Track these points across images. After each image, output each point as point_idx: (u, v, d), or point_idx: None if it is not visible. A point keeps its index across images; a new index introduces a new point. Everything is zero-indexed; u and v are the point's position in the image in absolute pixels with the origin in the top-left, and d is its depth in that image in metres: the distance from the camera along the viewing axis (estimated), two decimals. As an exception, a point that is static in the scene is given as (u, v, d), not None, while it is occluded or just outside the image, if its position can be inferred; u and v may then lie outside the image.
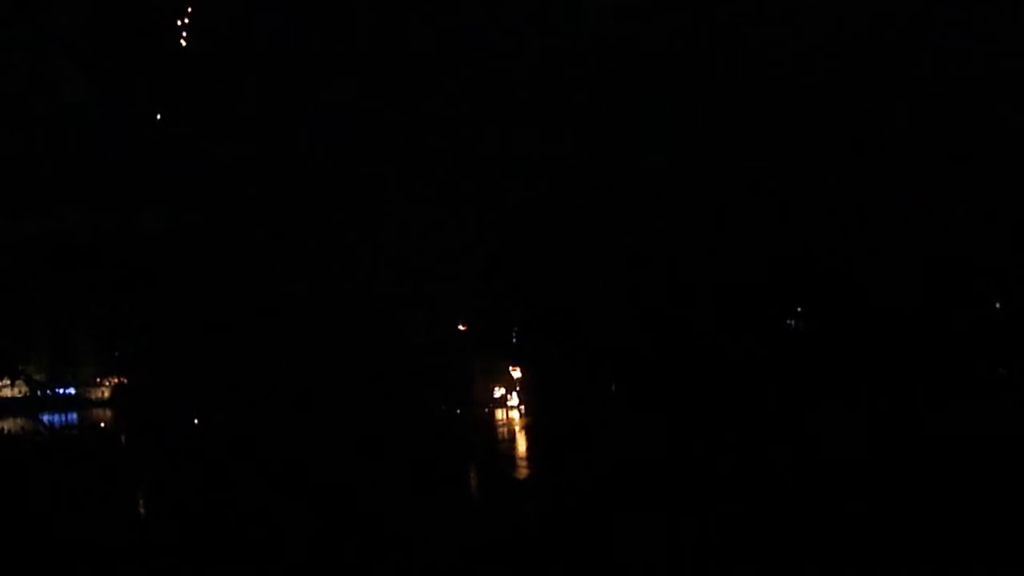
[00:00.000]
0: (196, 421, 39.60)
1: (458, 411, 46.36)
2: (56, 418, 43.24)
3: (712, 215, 46.19)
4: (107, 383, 51.50)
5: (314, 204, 48.01)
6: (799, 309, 48.70)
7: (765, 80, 46.41)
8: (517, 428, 43.60)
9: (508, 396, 50.54)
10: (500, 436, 40.40)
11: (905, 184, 44.05)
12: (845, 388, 39.84)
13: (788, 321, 49.16)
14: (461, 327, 51.05)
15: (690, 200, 46.56)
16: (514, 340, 51.83)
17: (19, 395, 46.63)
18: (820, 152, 45.29)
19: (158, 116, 43.50)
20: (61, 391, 48.67)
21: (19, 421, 38.45)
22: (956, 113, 43.92)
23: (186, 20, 43.23)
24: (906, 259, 43.92)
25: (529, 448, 35.66)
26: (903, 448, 28.33)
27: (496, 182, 47.45)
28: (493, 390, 50.54)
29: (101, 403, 50.41)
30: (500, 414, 49.03)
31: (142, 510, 20.67)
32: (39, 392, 46.57)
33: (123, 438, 39.84)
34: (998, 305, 45.71)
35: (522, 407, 49.60)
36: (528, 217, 47.95)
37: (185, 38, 43.53)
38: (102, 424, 41.96)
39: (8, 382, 46.38)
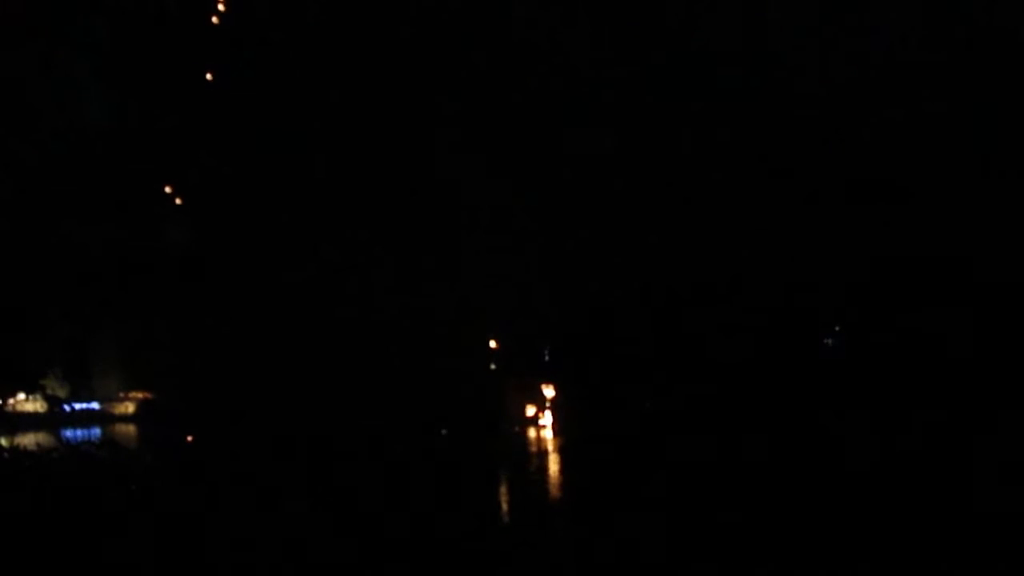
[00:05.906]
0: (190, 439, 38.67)
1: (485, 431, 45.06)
2: (78, 433, 42.51)
3: (752, 238, 45.50)
4: (132, 398, 50.84)
5: (346, 221, 47.42)
6: (836, 328, 47.75)
7: (804, 95, 45.71)
8: (550, 448, 42.22)
9: (540, 415, 49.41)
10: (531, 457, 39.03)
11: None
12: (889, 407, 38.45)
13: (825, 340, 48.17)
14: (493, 344, 50.19)
15: (729, 223, 45.87)
16: (547, 358, 50.84)
17: (42, 410, 46.07)
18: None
19: (208, 76, 42.81)
20: (83, 406, 48.05)
21: (38, 436, 37.71)
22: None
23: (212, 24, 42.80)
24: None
25: (562, 473, 34.30)
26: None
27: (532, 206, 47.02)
28: (525, 409, 49.41)
29: (125, 418, 49.67)
30: (532, 433, 47.78)
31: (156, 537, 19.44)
32: (59, 407, 46.04)
33: (147, 456, 38.81)
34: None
35: (554, 426, 48.41)
36: (564, 234, 47.35)
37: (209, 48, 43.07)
38: (124, 440, 41.16)
39: (29, 397, 45.90)
